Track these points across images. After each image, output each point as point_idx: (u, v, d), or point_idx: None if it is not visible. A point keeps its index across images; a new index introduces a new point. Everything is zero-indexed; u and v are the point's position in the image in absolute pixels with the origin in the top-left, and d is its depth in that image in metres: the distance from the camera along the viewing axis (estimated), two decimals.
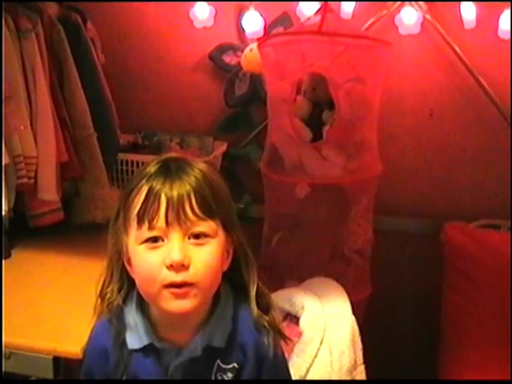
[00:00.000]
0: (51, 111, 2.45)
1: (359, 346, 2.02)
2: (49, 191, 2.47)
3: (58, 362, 1.89)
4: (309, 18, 2.59)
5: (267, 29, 2.87)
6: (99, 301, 1.60)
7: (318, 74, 2.44)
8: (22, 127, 2.36)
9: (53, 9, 2.56)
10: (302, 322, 1.98)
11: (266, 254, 2.67)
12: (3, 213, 2.31)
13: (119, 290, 1.58)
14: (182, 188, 1.46)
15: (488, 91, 2.77)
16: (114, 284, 1.58)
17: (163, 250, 1.45)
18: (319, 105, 2.53)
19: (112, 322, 1.58)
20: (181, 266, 1.44)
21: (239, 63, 2.91)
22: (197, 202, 1.46)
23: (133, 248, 1.49)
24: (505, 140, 2.82)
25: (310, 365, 1.90)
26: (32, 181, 2.41)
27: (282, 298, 2.12)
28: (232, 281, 1.60)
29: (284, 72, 2.51)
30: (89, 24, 2.76)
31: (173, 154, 1.58)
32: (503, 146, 2.83)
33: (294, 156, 2.50)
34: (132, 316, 1.56)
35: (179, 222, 1.45)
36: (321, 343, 1.93)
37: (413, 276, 3.04)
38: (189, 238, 1.46)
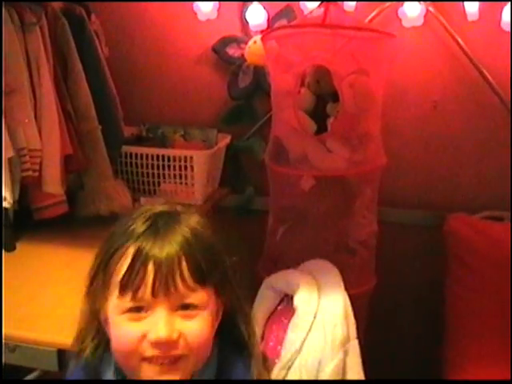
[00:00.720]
0: (55, 104, 2.46)
1: (352, 320, 2.02)
2: (53, 184, 2.47)
3: (63, 354, 1.90)
4: (312, 11, 2.59)
5: (271, 21, 2.88)
6: (76, 343, 1.50)
7: (322, 66, 2.44)
8: (26, 120, 2.36)
9: (57, 2, 2.56)
10: (296, 298, 1.99)
11: (271, 246, 2.68)
12: (8, 205, 2.32)
13: (96, 348, 1.47)
14: (171, 252, 1.34)
15: (491, 83, 2.77)
16: (89, 340, 1.48)
17: (147, 321, 1.34)
18: (323, 97, 2.53)
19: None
20: (167, 343, 1.32)
21: (243, 56, 2.92)
22: (188, 269, 1.35)
23: (112, 316, 1.39)
24: (508, 131, 2.81)
25: (305, 339, 1.91)
26: (37, 173, 2.42)
27: (278, 279, 2.13)
28: (226, 338, 1.51)
29: (288, 64, 2.51)
30: (93, 17, 2.77)
31: (160, 208, 1.44)
32: (506, 137, 2.83)
33: (298, 148, 2.50)
34: (109, 377, 1.46)
35: (167, 294, 1.33)
36: (314, 317, 1.94)
37: (415, 267, 3.04)
38: (176, 310, 1.35)
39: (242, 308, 1.53)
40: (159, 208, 1.44)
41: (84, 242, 2.43)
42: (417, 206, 3.00)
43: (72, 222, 2.58)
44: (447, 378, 2.58)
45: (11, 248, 2.40)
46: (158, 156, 2.87)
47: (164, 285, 1.32)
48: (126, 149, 2.88)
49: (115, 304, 1.36)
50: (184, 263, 1.34)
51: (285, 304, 2.07)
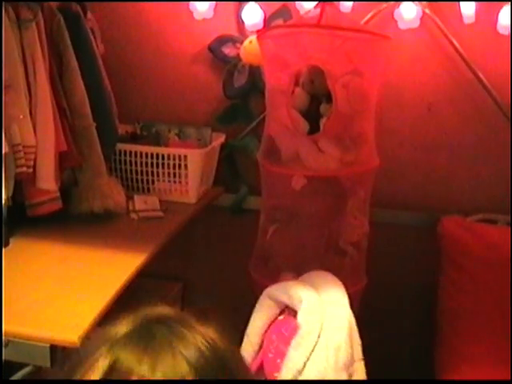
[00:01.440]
0: (51, 101, 2.46)
1: (357, 341, 2.02)
2: (47, 180, 2.47)
3: (55, 350, 1.90)
4: (308, 11, 2.60)
5: (267, 21, 2.88)
6: None
7: (317, 66, 2.44)
8: (21, 116, 2.36)
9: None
10: (299, 315, 1.99)
11: (262, 245, 2.69)
12: (2, 201, 2.32)
13: None
14: (172, 372, 0.90)
15: (486, 86, 2.77)
16: None
17: None
18: (317, 97, 2.53)
19: None
20: None
21: (238, 55, 2.92)
22: None
23: None
24: (503, 134, 2.83)
25: (308, 358, 1.91)
26: (31, 170, 2.42)
27: (280, 291, 2.13)
28: None
29: (283, 64, 2.51)
30: (89, 14, 2.78)
31: (160, 309, 1.02)
32: (501, 140, 2.84)
33: (290, 148, 2.51)
34: None
35: None
36: (318, 337, 1.94)
37: (409, 269, 3.04)
38: None
39: None
40: (159, 310, 1.03)
41: (77, 239, 2.45)
42: (411, 208, 3.01)
43: (66, 218, 2.57)
44: (440, 378, 2.58)
45: (5, 243, 2.39)
46: (152, 154, 2.87)
47: None
48: (120, 146, 2.88)
49: None
50: None
51: (285, 315, 2.07)
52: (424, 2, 2.72)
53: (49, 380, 1.93)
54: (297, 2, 2.82)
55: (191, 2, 2.91)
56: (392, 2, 2.75)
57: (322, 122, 2.47)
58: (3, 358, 1.90)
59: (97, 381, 0.98)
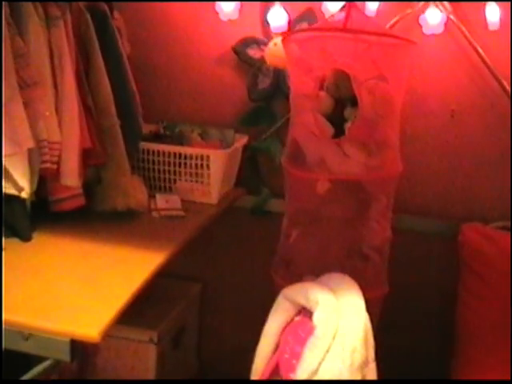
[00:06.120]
0: (76, 98, 2.47)
1: (371, 343, 2.03)
2: (71, 177, 2.49)
3: (76, 344, 1.91)
4: (333, 15, 2.60)
5: (292, 24, 2.88)
6: None
7: (341, 70, 2.45)
8: (47, 113, 2.38)
9: None
10: (315, 316, 2.00)
11: (285, 248, 2.69)
12: (26, 196, 2.34)
13: None
14: None
15: (510, 94, 2.76)
16: None
17: None
18: (341, 101, 2.53)
19: None
20: None
21: (263, 57, 2.93)
22: None
23: None
24: None
25: (322, 359, 1.91)
26: (55, 166, 2.43)
27: (297, 292, 2.14)
28: None
29: (307, 67, 2.52)
30: (116, 13, 2.79)
31: None
32: None
33: (315, 152, 2.51)
34: None
35: None
36: (333, 339, 1.94)
37: (428, 276, 3.04)
38: None
39: None
40: None
41: (100, 236, 2.47)
42: (432, 215, 3.00)
43: (88, 215, 2.59)
44: None
45: (28, 238, 2.42)
46: (174, 154, 2.89)
47: None
48: (143, 145, 2.90)
49: None
50: None
51: (302, 316, 2.08)
52: (449, 7, 2.72)
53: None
54: (322, 6, 2.82)
55: (217, 2, 2.92)
56: (417, 8, 2.75)
57: (347, 126, 2.48)
58: (23, 350, 1.93)
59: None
